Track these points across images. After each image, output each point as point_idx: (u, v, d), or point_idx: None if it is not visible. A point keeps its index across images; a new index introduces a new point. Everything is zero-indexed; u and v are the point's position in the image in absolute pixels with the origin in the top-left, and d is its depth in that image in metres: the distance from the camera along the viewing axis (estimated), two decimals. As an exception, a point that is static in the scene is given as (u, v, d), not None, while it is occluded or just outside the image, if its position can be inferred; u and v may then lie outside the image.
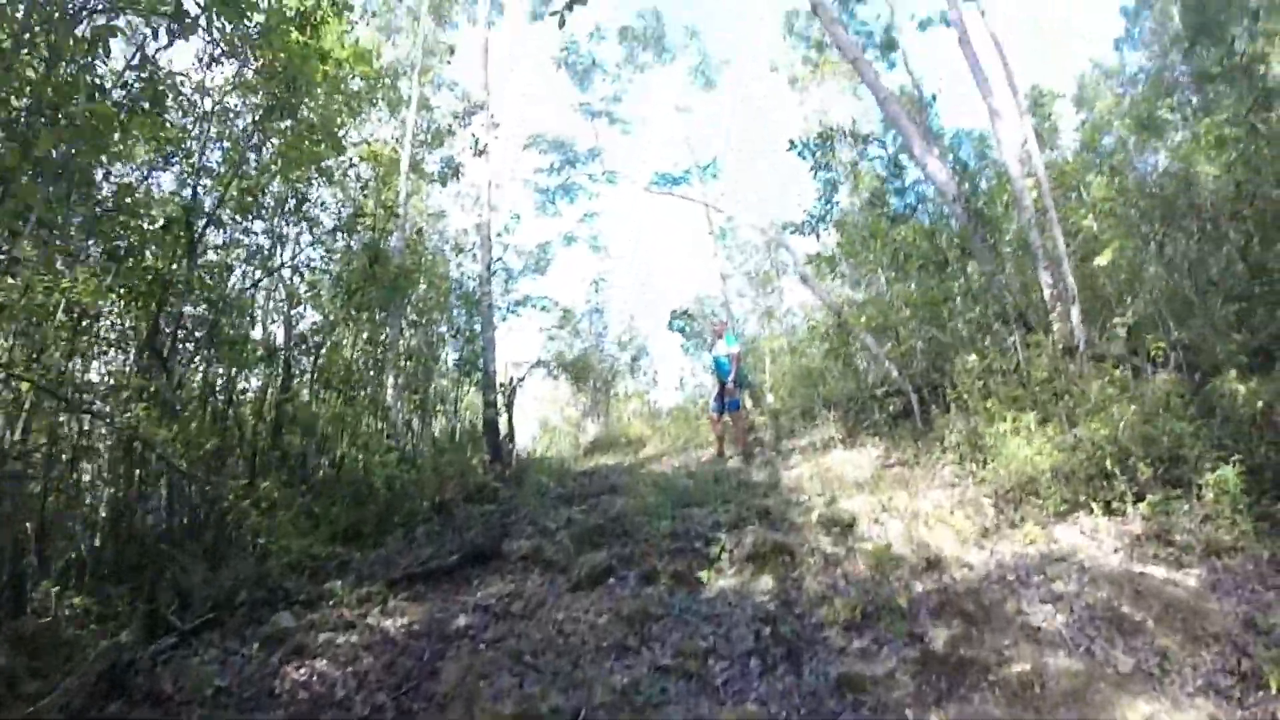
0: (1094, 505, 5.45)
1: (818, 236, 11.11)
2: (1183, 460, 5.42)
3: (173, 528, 5.41)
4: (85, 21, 4.88)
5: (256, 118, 6.51)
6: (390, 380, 9.82)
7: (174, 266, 6.25)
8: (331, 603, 5.04)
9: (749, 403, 11.09)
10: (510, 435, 9.05)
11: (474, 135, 9.61)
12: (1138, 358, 6.82)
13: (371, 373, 9.39)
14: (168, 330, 6.39)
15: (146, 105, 5.59)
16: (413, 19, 13.36)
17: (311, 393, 8.38)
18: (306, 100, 6.94)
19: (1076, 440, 5.84)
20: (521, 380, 9.32)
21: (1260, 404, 5.51)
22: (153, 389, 5.42)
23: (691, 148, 17.49)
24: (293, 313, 9.30)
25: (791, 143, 11.35)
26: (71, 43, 4.55)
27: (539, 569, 5.85)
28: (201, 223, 6.71)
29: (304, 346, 8.74)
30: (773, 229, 13.64)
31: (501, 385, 9.19)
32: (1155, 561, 4.75)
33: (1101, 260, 8.73)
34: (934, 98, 14.20)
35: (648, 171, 15.83)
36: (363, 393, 9.15)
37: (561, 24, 5.21)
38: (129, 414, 5.11)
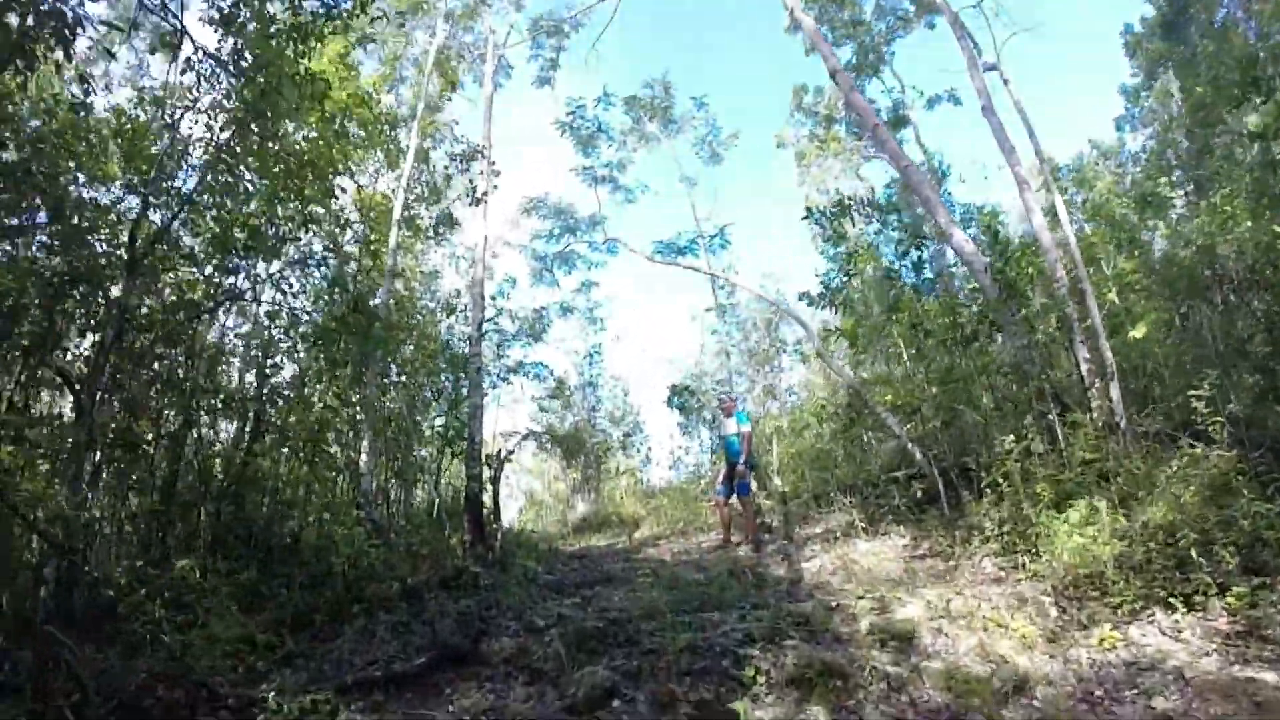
0: (1173, 600, 4.73)
1: (834, 308, 10.43)
2: (1265, 545, 4.81)
3: (69, 606, 4.35)
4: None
5: (228, 132, 5.76)
6: (366, 444, 8.86)
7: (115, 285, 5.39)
8: (264, 716, 3.97)
9: (754, 485, 10.18)
10: (495, 512, 8.03)
11: (470, 182, 8.91)
12: (1183, 434, 6.08)
13: (348, 433, 8.43)
14: (109, 366, 5.50)
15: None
16: (418, 69, 12.94)
17: (275, 451, 7.41)
18: (286, 121, 6.22)
19: (1143, 526, 5.18)
20: (511, 453, 8.38)
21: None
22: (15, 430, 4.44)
23: (696, 218, 17.07)
24: (267, 362, 8.42)
25: (808, 210, 10.81)
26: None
27: (525, 678, 4.75)
28: (148, 235, 5.87)
29: (274, 399, 7.82)
30: (782, 301, 13.02)
31: (488, 457, 8.24)
32: (1259, 664, 4.05)
33: (1136, 333, 8.17)
34: (948, 170, 13.81)
35: (650, 241, 15.32)
36: (334, 455, 8.17)
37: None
38: None
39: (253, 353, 8.73)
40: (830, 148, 18.08)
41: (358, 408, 8.21)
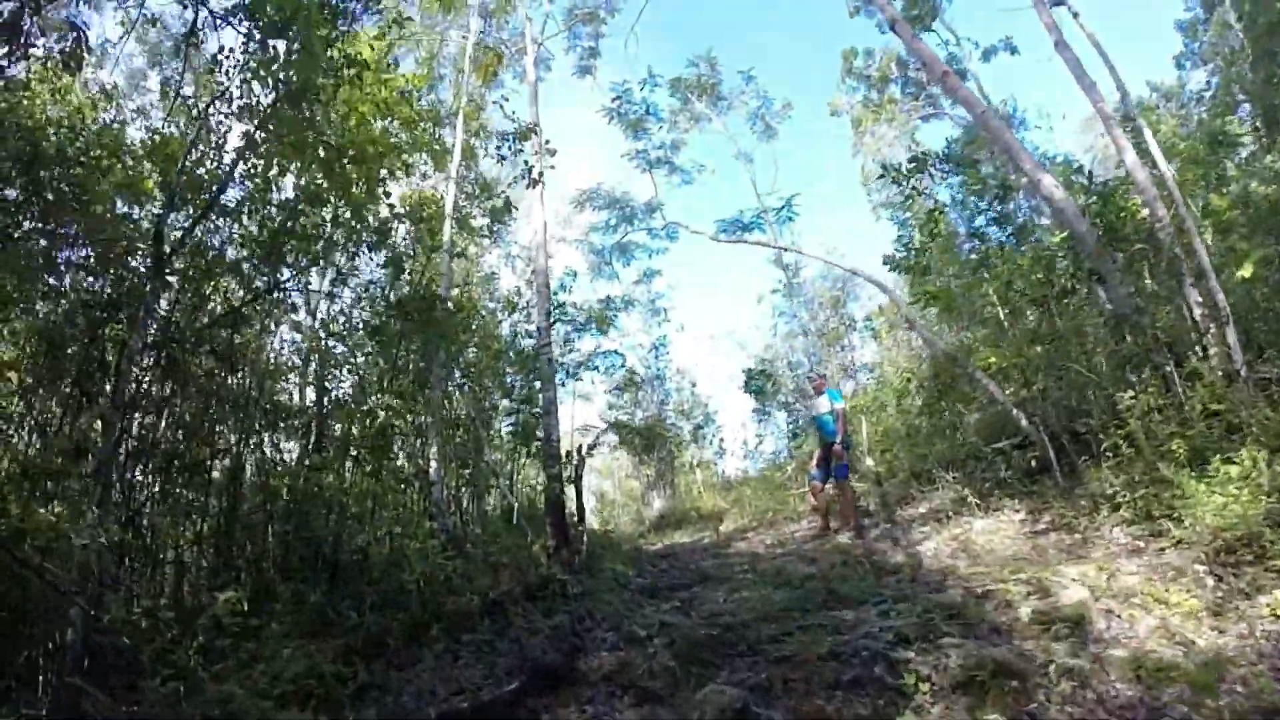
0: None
1: (915, 273, 9.49)
2: None
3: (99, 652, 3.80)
4: None
5: (258, 118, 5.21)
6: (434, 450, 8.32)
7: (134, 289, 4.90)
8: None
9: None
10: (579, 514, 7.37)
11: (526, 163, 8.28)
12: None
13: (415, 441, 7.89)
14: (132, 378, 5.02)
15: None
16: (455, 68, 12.43)
17: (338, 465, 6.91)
18: (323, 107, 5.66)
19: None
20: (593, 448, 7.71)
21: None
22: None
23: (758, 194, 16.18)
24: (325, 374, 7.97)
25: (884, 168, 9.94)
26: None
27: (631, 698, 4.08)
28: (177, 236, 5.39)
29: (334, 411, 7.35)
30: (861, 270, 12.06)
31: (567, 454, 7.59)
32: None
33: (1244, 273, 7.43)
34: (1023, 116, 12.63)
35: (710, 222, 14.47)
36: (401, 465, 7.63)
37: None
38: None
39: (311, 367, 8.33)
40: (886, 110, 16.99)
41: (423, 414, 7.64)
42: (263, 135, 5.31)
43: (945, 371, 9.63)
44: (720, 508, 13.75)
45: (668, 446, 15.20)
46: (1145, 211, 7.91)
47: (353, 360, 7.92)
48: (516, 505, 7.57)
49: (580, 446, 7.42)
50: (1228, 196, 9.26)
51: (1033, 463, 7.87)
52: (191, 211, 5.74)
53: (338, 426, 7.33)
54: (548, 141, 8.52)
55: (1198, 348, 6.74)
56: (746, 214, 13.82)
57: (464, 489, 8.58)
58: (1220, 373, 6.21)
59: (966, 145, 11.26)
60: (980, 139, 11.67)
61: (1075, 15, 9.97)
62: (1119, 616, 4.20)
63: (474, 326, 9.77)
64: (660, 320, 18.60)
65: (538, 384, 7.97)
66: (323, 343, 8.15)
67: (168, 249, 4.94)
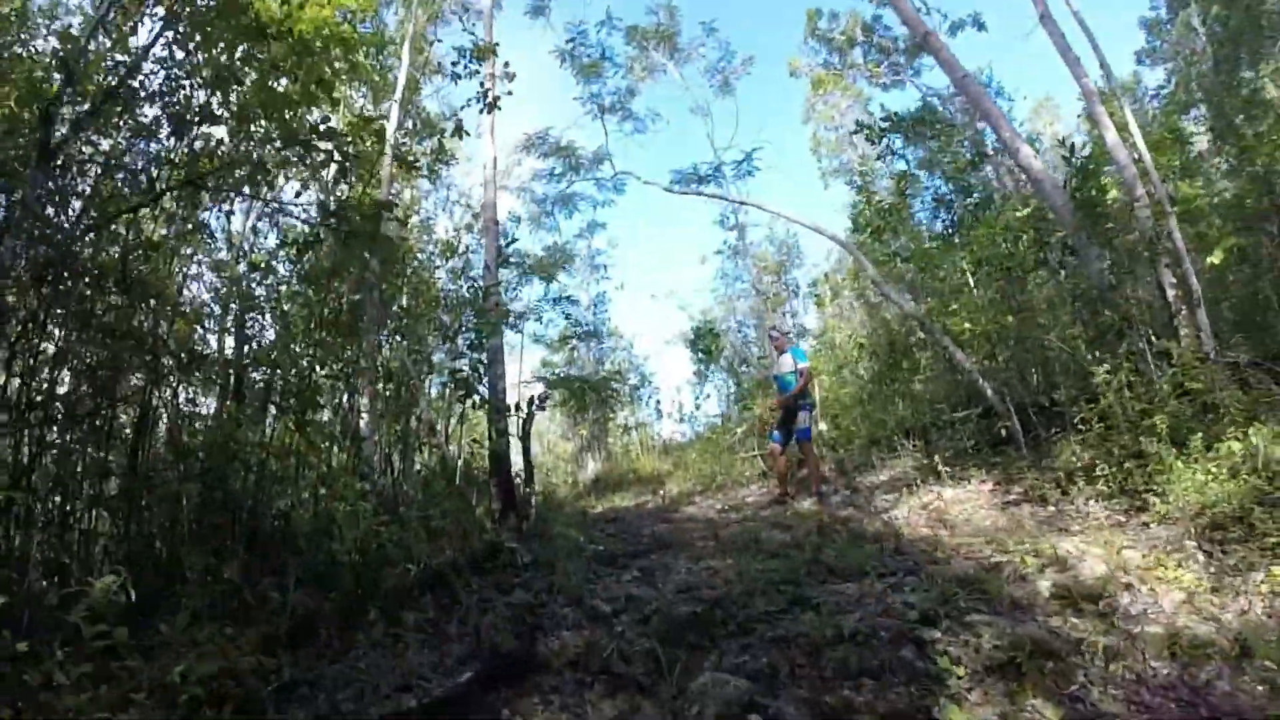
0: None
1: (894, 233, 9.10)
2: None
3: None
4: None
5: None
6: (365, 404, 7.50)
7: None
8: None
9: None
10: (528, 475, 6.69)
11: (481, 85, 7.35)
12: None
13: (345, 393, 7.05)
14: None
15: None
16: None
17: (260, 417, 6.07)
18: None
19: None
20: (544, 401, 6.98)
21: None
22: None
23: (714, 148, 15.49)
24: (247, 318, 7.02)
25: (859, 124, 9.42)
26: None
27: (603, 687, 3.51)
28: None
29: (256, 361, 6.45)
30: (825, 228, 11.57)
31: (515, 406, 6.84)
32: None
33: (1214, 259, 7.72)
34: (1001, 87, 12.31)
35: (663, 173, 13.78)
36: (329, 418, 6.81)
37: None
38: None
39: (232, 311, 7.37)
40: (847, 75, 16.51)
41: (354, 363, 6.80)
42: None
43: (901, 340, 9.37)
44: (660, 471, 13.30)
45: (608, 406, 14.57)
46: (1121, 190, 7.83)
47: (277, 297, 7.00)
48: (460, 464, 6.83)
49: (531, 399, 6.71)
50: (1195, 185, 9.30)
51: (1002, 432, 7.76)
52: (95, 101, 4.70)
53: (258, 376, 6.46)
54: (506, 64, 7.65)
55: (1169, 327, 6.82)
56: (703, 166, 13.20)
57: (398, 446, 7.80)
58: (1190, 354, 6.19)
59: (930, 116, 10.83)
60: (936, 115, 11.34)
61: (1060, -9, 9.69)
62: (1140, 591, 3.90)
63: (409, 271, 8.93)
64: (600, 276, 17.89)
65: (482, 331, 7.14)
66: (245, 283, 7.21)
67: (59, 133, 3.98)
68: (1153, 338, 6.73)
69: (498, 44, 7.73)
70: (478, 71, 7.36)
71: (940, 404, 8.60)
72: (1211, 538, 4.41)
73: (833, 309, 16.85)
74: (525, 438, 6.63)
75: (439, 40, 9.71)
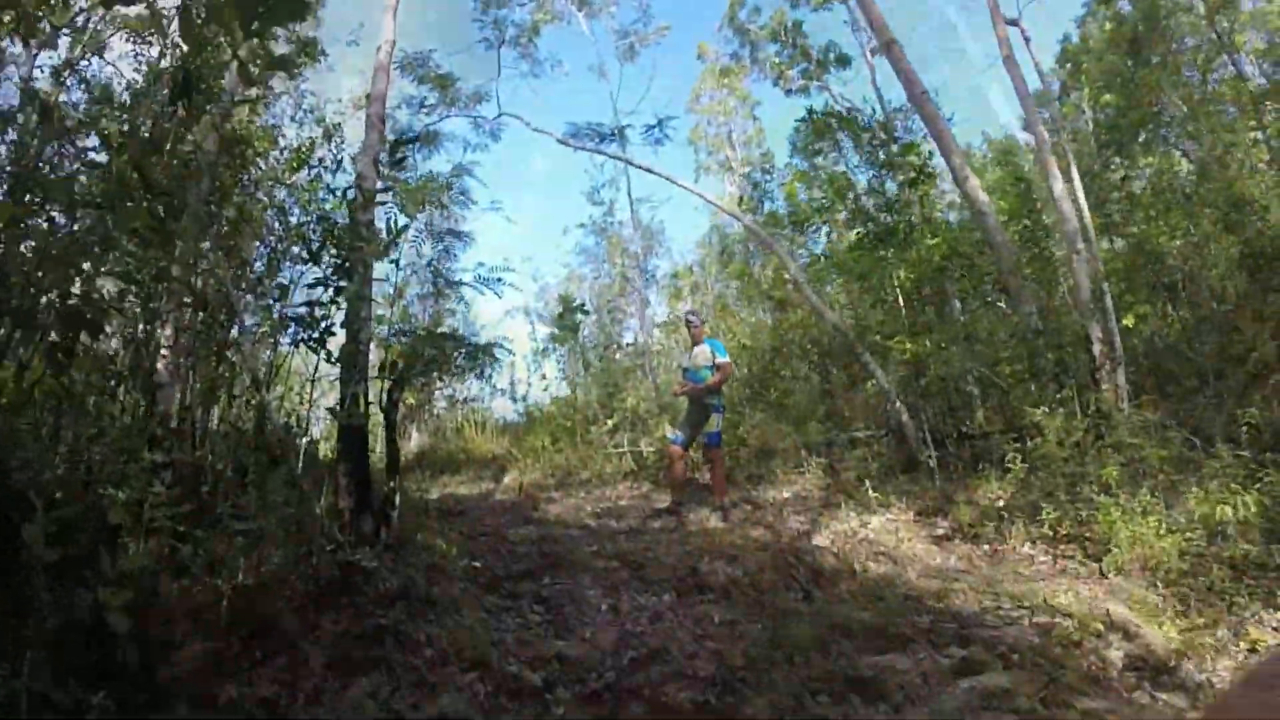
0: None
1: (828, 232, 8.25)
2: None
3: None
4: None
5: None
6: (167, 336, 5.40)
7: None
8: None
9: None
10: (391, 461, 4.85)
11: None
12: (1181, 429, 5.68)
13: (137, 322, 4.90)
14: None
15: None
16: None
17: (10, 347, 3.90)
18: None
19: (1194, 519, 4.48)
20: (430, 365, 5.25)
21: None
22: None
23: (616, 110, 13.97)
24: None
25: (810, 111, 8.43)
26: None
27: None
28: None
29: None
30: (748, 219, 10.44)
31: (384, 368, 4.97)
32: None
33: (1127, 322, 7.64)
34: (952, 116, 11.80)
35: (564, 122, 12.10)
36: (115, 350, 4.69)
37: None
38: None
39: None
40: (751, 72, 15.75)
41: (157, 276, 4.68)
42: None
43: (796, 346, 8.62)
44: (497, 454, 11.75)
45: (461, 375, 12.68)
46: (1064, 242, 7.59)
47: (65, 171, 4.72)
48: (294, 436, 4.86)
49: (398, 361, 4.98)
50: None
51: (918, 457, 7.18)
52: None
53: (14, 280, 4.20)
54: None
55: (1093, 381, 6.78)
56: (607, 126, 11.73)
57: (207, 402, 5.70)
58: (1115, 408, 6.26)
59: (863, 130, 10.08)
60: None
61: (1027, 41, 9.93)
62: (1194, 658, 3.40)
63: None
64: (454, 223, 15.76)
65: (340, 259, 5.15)
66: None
67: None
68: (1082, 387, 6.65)
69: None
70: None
71: (851, 420, 7.87)
72: (1174, 594, 4.14)
73: (687, 303, 16.17)
74: (391, 410, 4.87)
75: None
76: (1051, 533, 5.23)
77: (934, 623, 3.63)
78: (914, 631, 3.43)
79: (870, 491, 6.65)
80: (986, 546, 5.47)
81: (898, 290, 7.53)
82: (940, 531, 5.92)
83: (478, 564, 4.90)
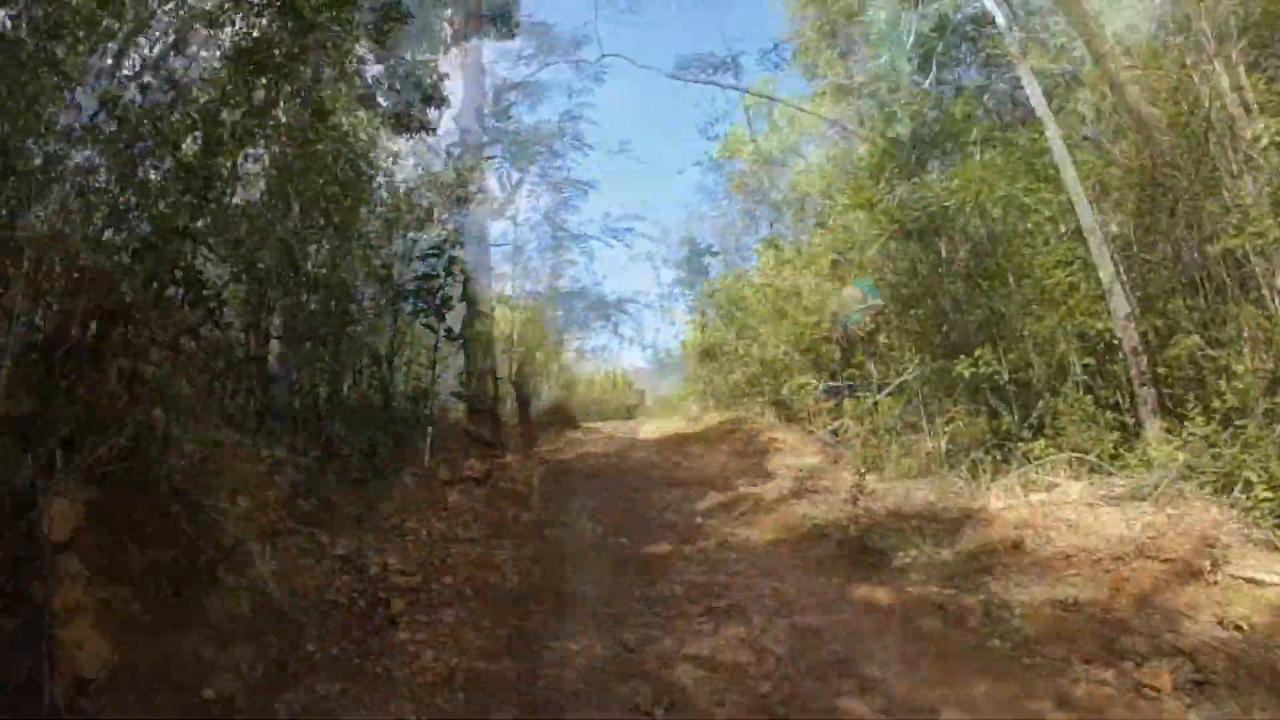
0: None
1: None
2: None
3: None
4: None
5: None
6: (277, 323, 5.10)
7: None
8: None
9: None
10: (528, 429, 4.31)
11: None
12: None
13: (250, 304, 4.61)
14: None
15: None
16: None
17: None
18: None
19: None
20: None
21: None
22: None
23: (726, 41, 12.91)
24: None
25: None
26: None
27: None
28: None
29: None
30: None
31: (508, 339, 4.42)
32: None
33: None
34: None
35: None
36: (229, 339, 4.39)
37: None
38: None
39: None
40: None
41: (266, 259, 4.32)
42: None
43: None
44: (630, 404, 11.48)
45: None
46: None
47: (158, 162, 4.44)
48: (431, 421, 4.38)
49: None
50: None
51: None
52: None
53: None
54: None
55: None
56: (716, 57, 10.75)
57: (321, 387, 5.36)
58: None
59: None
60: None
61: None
62: None
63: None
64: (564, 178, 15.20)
65: (453, 226, 4.61)
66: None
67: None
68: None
69: None
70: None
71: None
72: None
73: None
74: (523, 385, 4.31)
75: None
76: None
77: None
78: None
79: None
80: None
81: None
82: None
83: (622, 540, 4.34)
